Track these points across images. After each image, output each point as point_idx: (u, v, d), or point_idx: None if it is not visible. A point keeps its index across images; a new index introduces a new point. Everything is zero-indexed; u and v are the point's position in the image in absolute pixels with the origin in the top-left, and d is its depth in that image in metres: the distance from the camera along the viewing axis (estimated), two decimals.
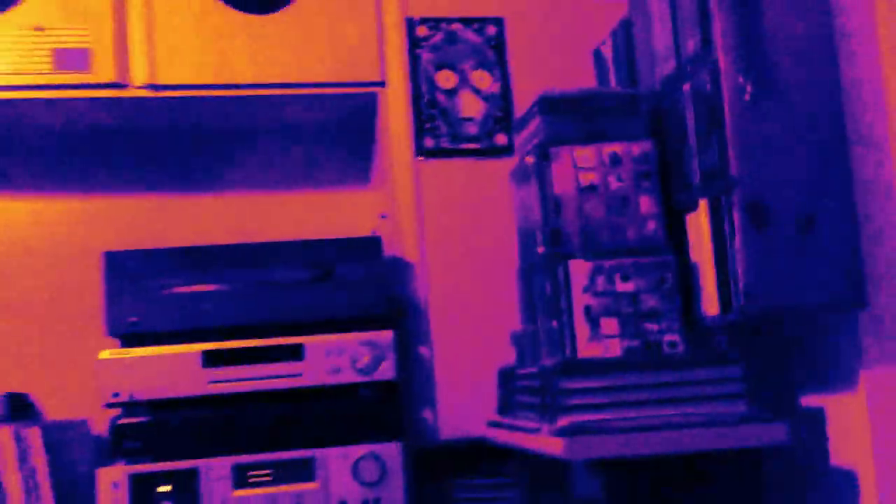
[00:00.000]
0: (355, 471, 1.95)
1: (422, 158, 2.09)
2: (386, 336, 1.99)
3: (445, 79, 2.10)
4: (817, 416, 1.75)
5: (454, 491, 2.18)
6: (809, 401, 1.77)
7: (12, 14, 2.00)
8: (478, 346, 2.06)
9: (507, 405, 1.89)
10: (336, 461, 1.95)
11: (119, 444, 1.92)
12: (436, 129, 2.08)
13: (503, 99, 2.12)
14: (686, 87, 1.69)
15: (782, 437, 1.58)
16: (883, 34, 1.50)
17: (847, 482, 1.68)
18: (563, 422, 1.57)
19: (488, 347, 2.02)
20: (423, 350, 2.09)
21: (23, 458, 1.97)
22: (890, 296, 1.60)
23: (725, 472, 1.79)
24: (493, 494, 2.19)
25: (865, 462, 1.63)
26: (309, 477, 1.94)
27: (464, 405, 2.05)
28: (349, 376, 1.97)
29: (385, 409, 2.00)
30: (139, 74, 2.04)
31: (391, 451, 1.96)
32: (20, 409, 2.07)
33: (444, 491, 2.18)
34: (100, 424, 2.09)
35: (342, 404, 2.00)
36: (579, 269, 1.69)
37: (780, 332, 1.82)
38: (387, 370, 1.98)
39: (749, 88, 1.58)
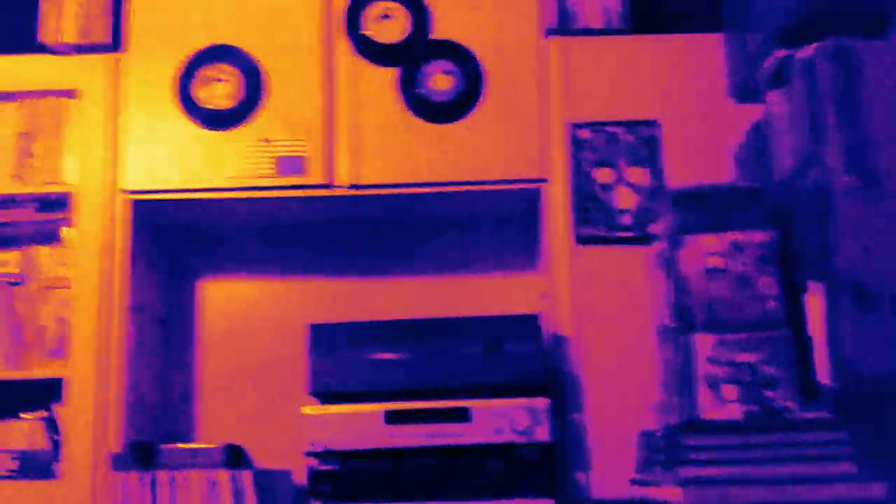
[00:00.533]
0: None
1: (580, 245, 2.36)
2: (542, 402, 2.22)
3: (602, 175, 2.37)
4: None
5: None
6: None
7: (244, 128, 2.44)
8: (626, 414, 2.23)
9: (645, 465, 2.08)
10: None
11: (315, 488, 2.24)
12: (593, 220, 2.35)
13: (656, 192, 2.36)
14: (802, 183, 1.88)
15: (882, 495, 1.71)
16: None
17: None
18: (683, 473, 1.77)
19: (636, 415, 2.18)
20: (576, 416, 2.31)
21: (237, 497, 2.32)
22: None
23: None
24: None
25: None
26: None
27: (613, 468, 2.22)
28: (509, 437, 2.21)
29: (540, 468, 2.22)
30: (343, 176, 2.41)
31: None
32: (235, 457, 2.35)
33: None
34: (300, 475, 2.45)
35: (503, 462, 2.22)
36: (703, 342, 1.89)
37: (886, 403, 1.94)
38: (542, 433, 2.21)
39: (852, 182, 1.76)
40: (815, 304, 1.84)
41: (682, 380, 1.91)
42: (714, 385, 1.88)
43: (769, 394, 1.87)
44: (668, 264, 1.96)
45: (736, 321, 1.90)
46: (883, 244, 1.75)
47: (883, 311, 1.74)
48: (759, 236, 1.93)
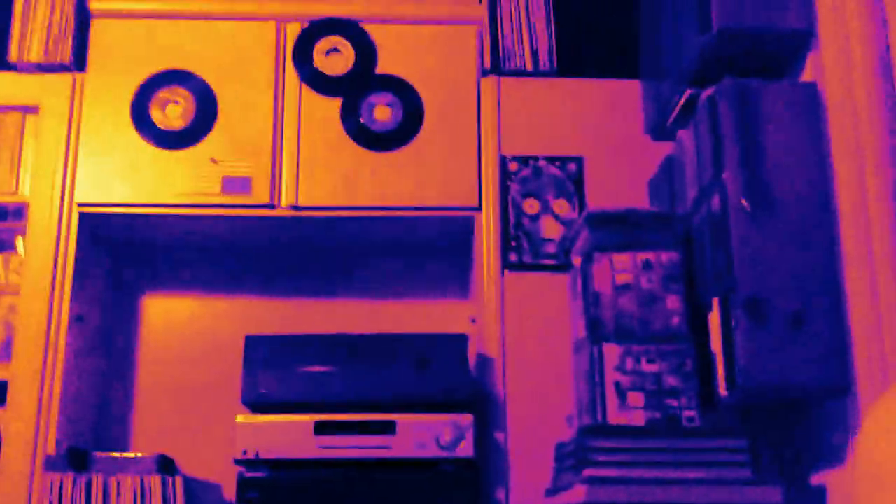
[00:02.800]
0: None
1: (507, 271, 2.49)
2: (467, 419, 2.32)
3: (530, 206, 2.51)
4: (819, 489, 1.96)
5: None
6: (814, 474, 1.99)
7: (195, 149, 2.56)
8: (547, 432, 2.31)
9: (557, 473, 2.18)
10: None
11: (243, 495, 2.30)
12: (520, 247, 2.49)
13: None
14: (705, 208, 2.04)
15: (778, 500, 1.84)
16: (867, 154, 1.80)
17: None
18: (588, 472, 1.88)
19: (556, 433, 2.26)
20: (498, 435, 2.40)
21: (166, 500, 2.32)
22: (872, 383, 1.83)
23: None
24: None
25: None
26: None
27: (533, 484, 2.29)
28: (433, 451, 2.31)
29: (463, 483, 2.31)
30: (287, 197, 2.53)
31: None
32: (166, 467, 2.40)
33: None
34: (229, 489, 2.52)
35: (427, 476, 2.32)
36: (611, 352, 2.02)
37: (788, 413, 2.06)
38: (466, 449, 2.31)
39: (748, 207, 1.91)
40: (715, 321, 1.98)
41: (592, 387, 2.03)
42: (621, 392, 2.00)
43: (671, 402, 2.00)
44: (583, 279, 2.10)
45: (643, 334, 2.04)
46: (776, 264, 1.90)
47: (775, 326, 1.88)
48: (666, 256, 2.08)
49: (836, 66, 1.81)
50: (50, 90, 2.59)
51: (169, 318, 2.83)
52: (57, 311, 2.47)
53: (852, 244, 1.83)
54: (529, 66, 2.61)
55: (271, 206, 2.55)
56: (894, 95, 1.62)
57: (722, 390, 1.95)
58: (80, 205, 2.53)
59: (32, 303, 2.47)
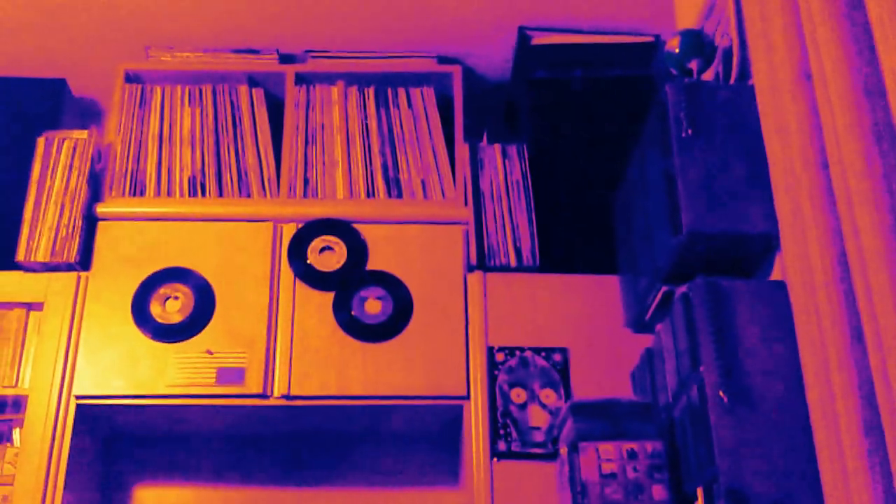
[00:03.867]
0: None
1: (496, 460, 2.54)
2: None
3: (517, 395, 2.60)
4: None
5: None
6: None
7: (191, 341, 2.64)
8: None
9: None
10: None
11: None
12: (508, 436, 2.55)
13: None
14: (685, 399, 2.13)
15: None
16: (835, 361, 1.90)
17: None
18: None
19: None
20: None
21: None
22: None
23: None
24: None
25: None
26: None
27: None
28: None
29: None
30: (280, 387, 2.61)
31: None
32: None
33: None
34: None
35: None
36: None
37: None
38: None
39: (725, 400, 2.00)
40: None
41: None
42: None
43: None
44: (570, 468, 2.16)
45: None
46: (755, 453, 1.97)
47: None
48: (650, 446, 2.15)
49: (797, 266, 1.95)
50: (55, 288, 2.70)
51: None
52: (50, 501, 2.49)
53: (823, 436, 1.91)
54: (514, 262, 2.75)
55: (264, 396, 2.61)
56: (852, 296, 1.75)
57: None
58: (78, 397, 2.59)
59: (25, 495, 2.48)
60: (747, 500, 1.94)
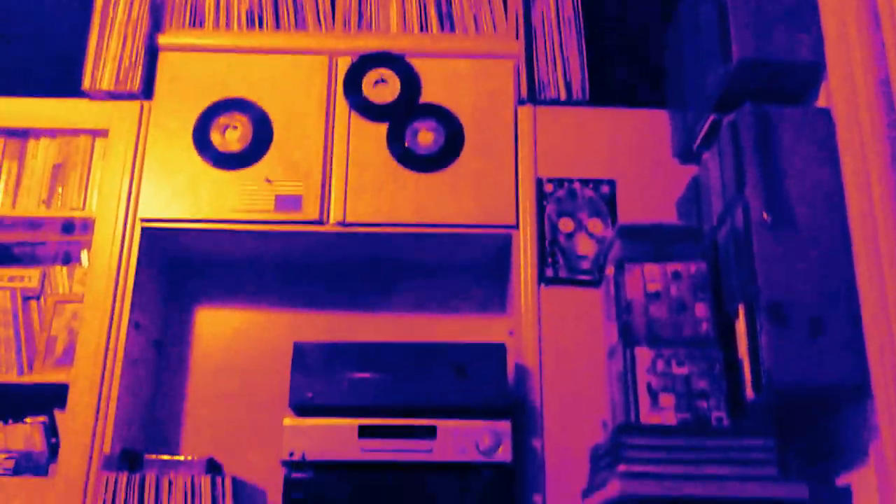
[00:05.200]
0: None
1: (543, 286, 2.64)
2: (505, 425, 2.43)
3: (565, 224, 2.67)
4: (844, 489, 2.08)
5: None
6: (839, 474, 2.10)
7: (250, 170, 2.75)
8: (582, 440, 2.42)
9: (592, 473, 2.30)
10: None
11: (289, 495, 2.41)
12: (556, 263, 2.64)
13: None
14: (729, 222, 2.19)
15: (804, 495, 1.95)
16: (875, 178, 1.94)
17: None
18: (622, 468, 2.00)
19: (591, 441, 2.35)
20: (535, 441, 2.52)
21: (214, 500, 2.42)
22: (885, 384, 1.95)
23: None
24: None
25: None
26: None
27: (569, 488, 2.43)
28: (472, 456, 2.41)
29: (501, 487, 2.40)
30: (335, 215, 2.71)
31: None
32: (214, 471, 2.52)
33: None
34: (273, 494, 2.65)
35: (466, 480, 2.41)
36: (643, 355, 2.15)
37: (814, 415, 2.19)
38: (504, 454, 2.41)
39: (769, 220, 2.06)
40: (742, 327, 2.12)
41: (625, 389, 2.16)
42: (652, 394, 2.13)
43: (701, 404, 2.13)
44: (616, 288, 2.25)
45: (673, 339, 2.17)
46: (796, 273, 2.05)
47: (797, 331, 2.01)
48: (694, 267, 2.22)
49: (842, 91, 1.97)
50: (119, 116, 2.80)
51: (219, 328, 2.99)
52: (117, 319, 2.63)
53: (861, 248, 1.96)
54: (563, 96, 2.80)
55: (320, 223, 2.72)
56: (893, 115, 1.78)
57: (749, 392, 2.07)
58: (143, 220, 2.71)
59: (94, 311, 2.63)
60: (786, 316, 2.02)
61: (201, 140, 2.76)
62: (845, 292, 2.02)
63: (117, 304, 2.64)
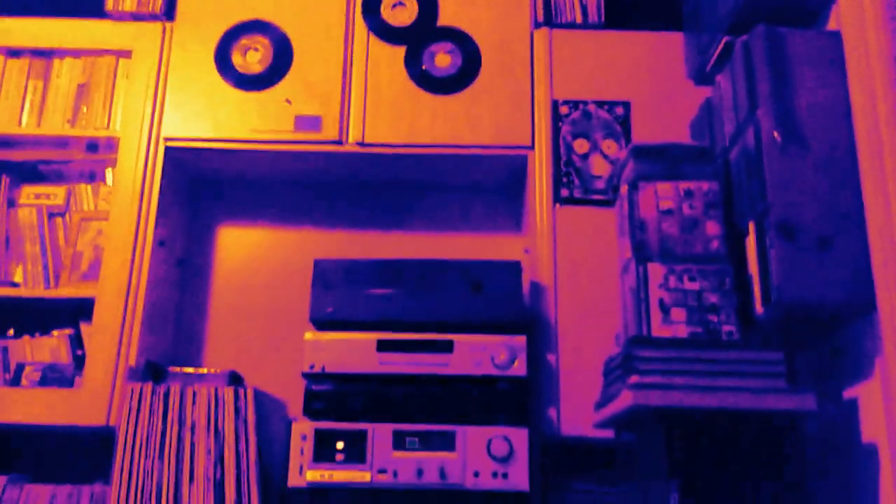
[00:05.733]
0: (488, 448, 2.41)
1: (559, 205, 2.70)
2: (520, 340, 2.49)
3: (580, 145, 2.72)
4: (851, 401, 2.15)
5: (572, 481, 2.65)
6: (846, 388, 2.18)
7: (271, 91, 2.79)
8: (596, 355, 2.49)
9: (606, 386, 2.38)
10: (473, 437, 2.41)
11: (309, 406, 2.47)
12: (571, 183, 2.69)
13: None
14: (741, 141, 2.23)
15: (812, 406, 2.00)
16: (881, 99, 1.99)
17: (871, 457, 2.06)
18: (634, 379, 2.07)
19: (604, 356, 2.37)
20: (550, 356, 2.60)
21: (238, 412, 2.50)
22: (890, 300, 2.01)
23: (766, 440, 2.19)
24: (605, 489, 2.64)
25: (881, 440, 2.01)
26: (451, 447, 2.42)
27: (582, 401, 2.49)
28: (488, 370, 2.47)
29: (516, 400, 2.47)
30: (353, 135, 2.76)
31: (519, 436, 2.41)
32: (236, 383, 2.59)
33: (562, 480, 2.65)
34: (293, 405, 2.74)
35: (481, 392, 2.48)
36: (656, 270, 2.22)
37: (822, 331, 2.26)
38: (519, 368, 2.47)
39: (779, 139, 2.11)
40: (752, 244, 2.18)
41: (637, 303, 2.23)
42: (664, 308, 2.20)
43: (712, 318, 2.19)
44: (629, 205, 2.30)
45: (684, 254, 2.24)
46: (805, 191, 2.10)
47: (805, 248, 2.07)
48: (706, 185, 2.28)
49: (850, 13, 2.01)
50: (142, 37, 2.85)
51: (242, 246, 3.06)
52: (142, 236, 2.70)
53: (868, 167, 2.01)
54: (579, 19, 2.83)
55: (339, 143, 2.77)
56: None
57: (758, 308, 2.13)
58: (166, 139, 2.77)
59: (119, 228, 2.69)
60: (795, 234, 2.08)
61: (223, 61, 2.81)
62: (854, 211, 2.07)
63: (141, 222, 2.70)
